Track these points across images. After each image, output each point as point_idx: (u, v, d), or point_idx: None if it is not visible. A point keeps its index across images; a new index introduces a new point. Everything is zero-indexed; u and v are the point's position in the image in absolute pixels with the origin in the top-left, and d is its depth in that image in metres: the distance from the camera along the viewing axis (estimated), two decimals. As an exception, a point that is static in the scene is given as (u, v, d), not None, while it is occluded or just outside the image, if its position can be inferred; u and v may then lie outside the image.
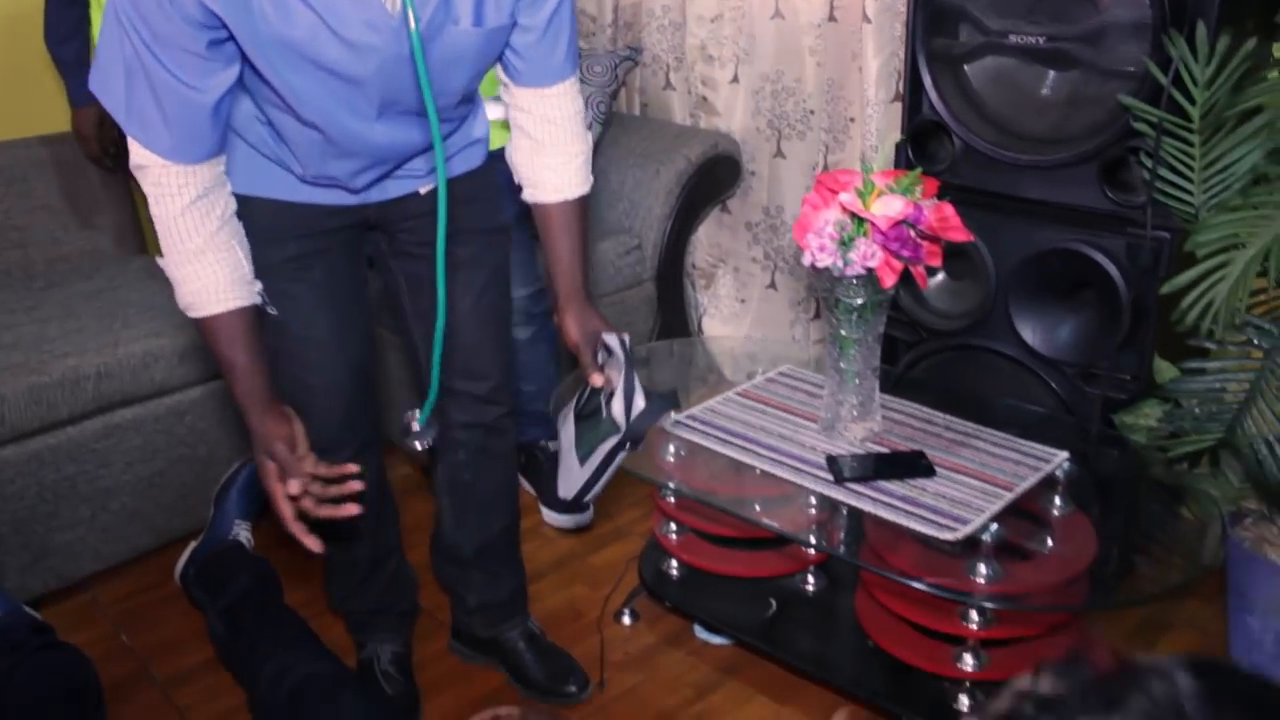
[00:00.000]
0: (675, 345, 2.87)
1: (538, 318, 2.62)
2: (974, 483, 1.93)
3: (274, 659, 2.02)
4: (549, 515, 2.73)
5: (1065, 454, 2.04)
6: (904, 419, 2.15)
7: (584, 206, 1.82)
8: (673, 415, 1.92)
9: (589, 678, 2.16)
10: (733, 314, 3.47)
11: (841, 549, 1.96)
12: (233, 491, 2.50)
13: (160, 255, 1.56)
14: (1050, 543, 1.93)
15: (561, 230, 1.79)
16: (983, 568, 1.79)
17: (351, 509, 1.58)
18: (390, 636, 2.15)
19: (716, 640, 2.27)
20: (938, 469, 1.96)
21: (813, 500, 1.98)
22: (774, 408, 2.19)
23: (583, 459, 1.80)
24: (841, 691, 2.10)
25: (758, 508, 1.99)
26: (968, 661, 1.94)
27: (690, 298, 3.48)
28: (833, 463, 1.95)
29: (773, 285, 3.34)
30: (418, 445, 1.78)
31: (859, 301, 1.92)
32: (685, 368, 2.62)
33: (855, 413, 2.04)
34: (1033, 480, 1.96)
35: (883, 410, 2.12)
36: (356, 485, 1.58)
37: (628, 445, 1.73)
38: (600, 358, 1.76)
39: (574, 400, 1.86)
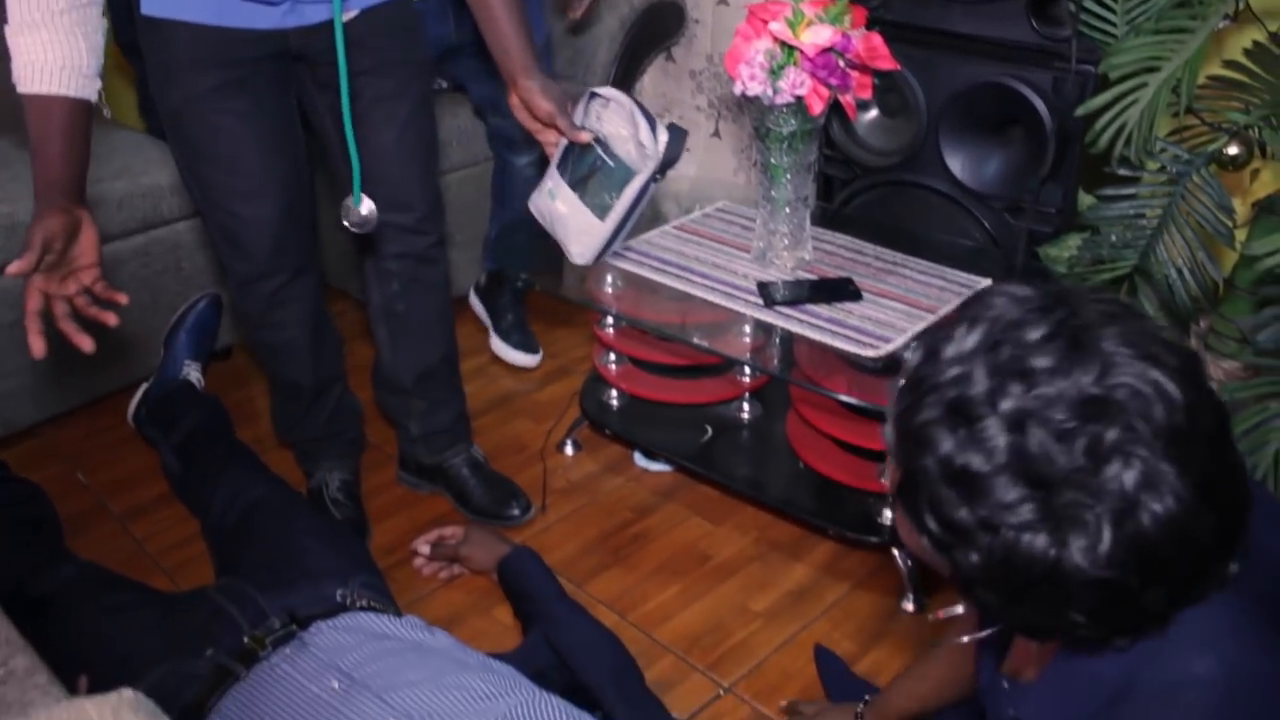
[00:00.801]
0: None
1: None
2: (899, 306, 2.00)
3: (225, 486, 2.08)
4: (501, 349, 2.78)
5: (989, 281, 2.12)
6: (835, 250, 2.21)
7: None
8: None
9: (531, 501, 2.25)
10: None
11: (773, 365, 2.03)
12: (181, 333, 2.54)
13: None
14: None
15: (501, 9, 1.73)
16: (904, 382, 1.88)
17: (110, 317, 1.54)
18: (337, 465, 2.22)
19: (655, 467, 2.36)
20: (865, 294, 2.03)
21: (746, 328, 2.05)
22: (709, 240, 2.25)
23: (603, 213, 1.77)
24: (774, 510, 2.20)
25: (693, 333, 2.06)
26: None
27: (635, 148, 3.49)
28: (763, 288, 2.02)
29: (717, 134, 3.37)
30: (356, 226, 1.80)
31: (788, 130, 1.96)
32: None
33: (786, 242, 2.10)
34: (955, 304, 2.03)
35: (814, 242, 2.18)
36: (121, 299, 1.55)
37: (659, 176, 1.72)
38: (579, 118, 1.75)
39: (553, 175, 1.83)
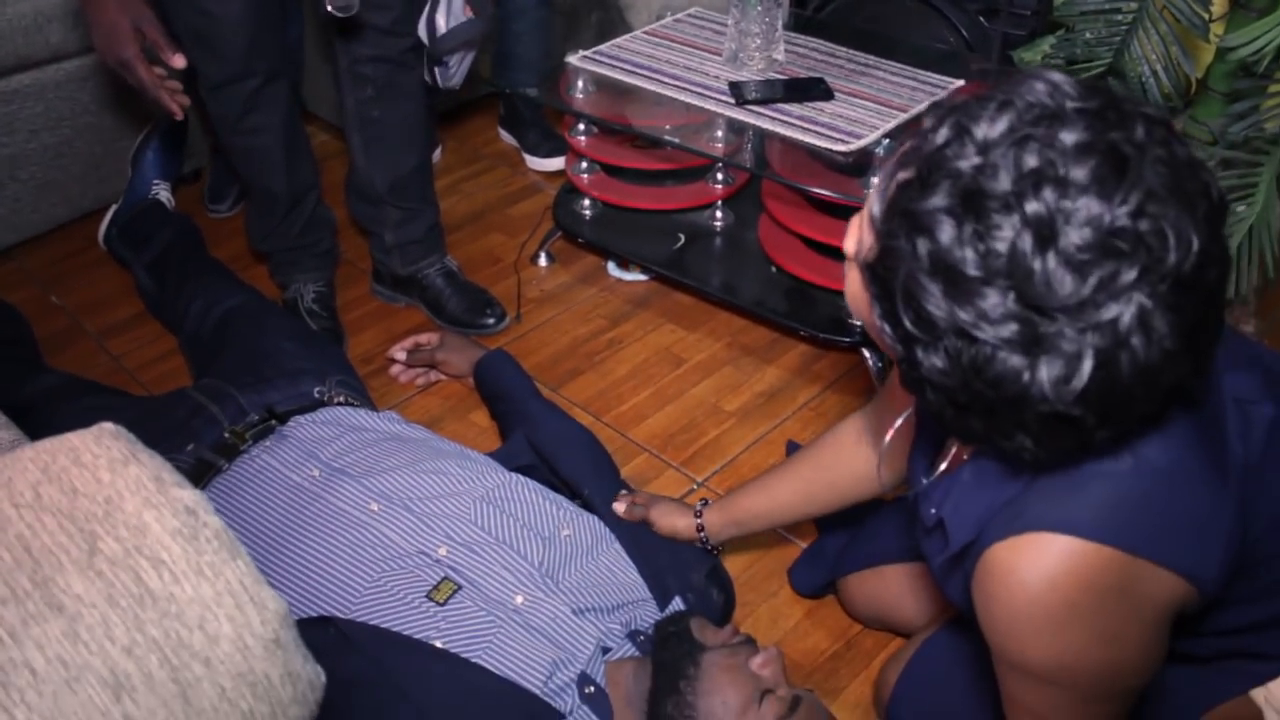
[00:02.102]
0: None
1: None
2: (870, 105, 1.99)
3: (200, 298, 2.08)
4: (537, 164, 2.80)
5: (960, 82, 2.10)
6: (807, 52, 2.19)
7: None
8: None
9: (505, 310, 2.26)
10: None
11: (746, 158, 2.03)
12: (149, 152, 2.50)
13: None
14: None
15: None
16: (875, 179, 1.88)
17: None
18: (312, 276, 2.22)
19: (628, 277, 2.37)
20: (837, 94, 2.02)
21: (719, 131, 2.04)
22: (681, 44, 2.22)
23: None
24: (747, 315, 2.23)
25: (665, 134, 2.05)
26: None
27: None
28: (735, 88, 2.00)
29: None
30: (338, 9, 1.79)
31: (760, -78, 1.92)
32: (597, 12, 2.61)
33: (758, 42, 2.07)
34: (927, 104, 2.02)
35: (787, 45, 2.16)
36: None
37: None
38: None
39: None
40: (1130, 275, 0.77)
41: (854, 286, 0.95)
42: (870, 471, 1.42)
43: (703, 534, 1.57)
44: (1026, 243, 0.78)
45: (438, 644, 1.31)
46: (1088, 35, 2.08)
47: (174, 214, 2.46)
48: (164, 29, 1.69)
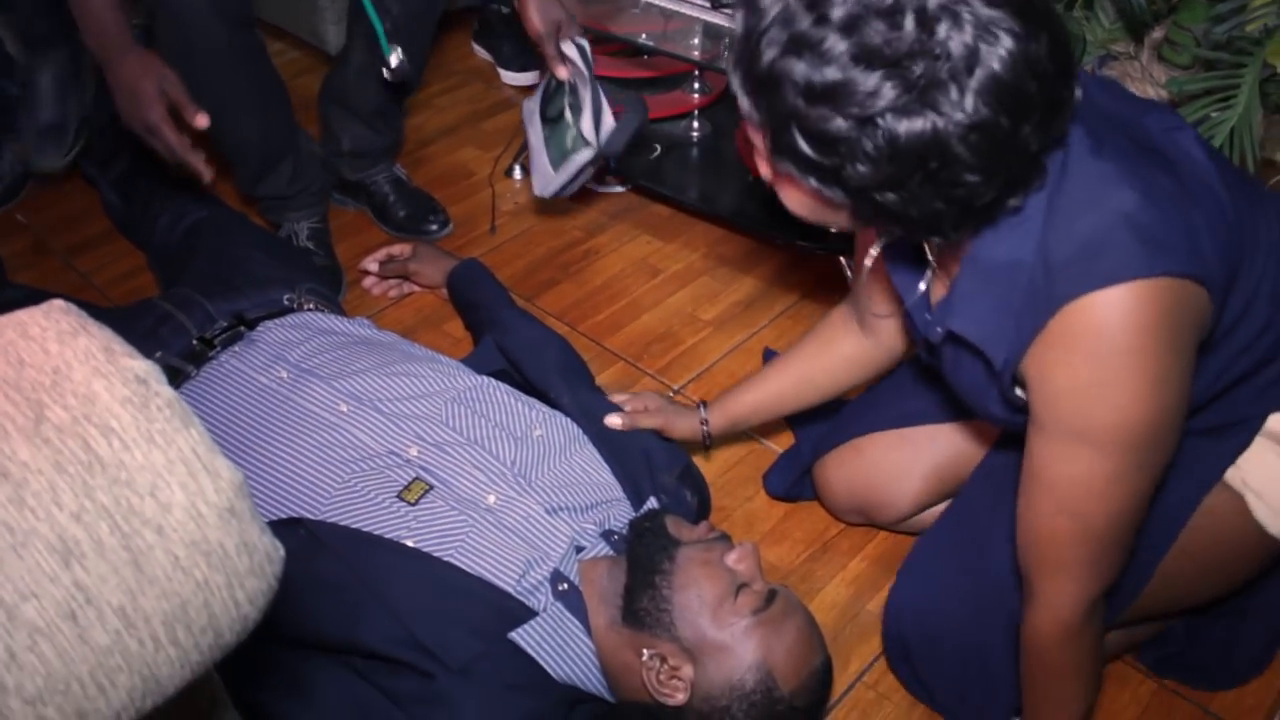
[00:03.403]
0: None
1: None
2: (849, 7, 1.95)
3: (168, 212, 2.05)
4: (511, 78, 2.74)
5: (941, -16, 2.07)
6: (785, -45, 2.14)
7: None
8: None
9: (449, 217, 2.25)
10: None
11: (723, 63, 1.99)
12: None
13: None
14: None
15: None
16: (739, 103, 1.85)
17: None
18: (306, 214, 2.14)
19: (604, 189, 2.34)
20: (814, -4, 1.98)
21: (695, 39, 2.00)
22: (655, -53, 2.16)
23: (555, 164, 1.84)
24: (724, 225, 2.20)
25: (643, 37, 2.02)
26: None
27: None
28: (710, -10, 1.96)
29: None
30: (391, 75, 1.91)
31: None
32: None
33: (734, -57, 2.03)
34: (907, 6, 1.98)
35: (764, -53, 2.11)
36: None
37: (602, 162, 1.81)
38: (568, 52, 1.77)
39: (537, 97, 1.89)
40: (934, 1, 0.87)
41: (787, 196, 1.05)
42: (864, 356, 1.49)
43: (706, 435, 1.60)
44: (850, 31, 0.88)
45: (409, 543, 1.30)
46: (1071, -64, 2.04)
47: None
48: (186, 89, 1.65)
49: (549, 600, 1.29)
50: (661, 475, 1.52)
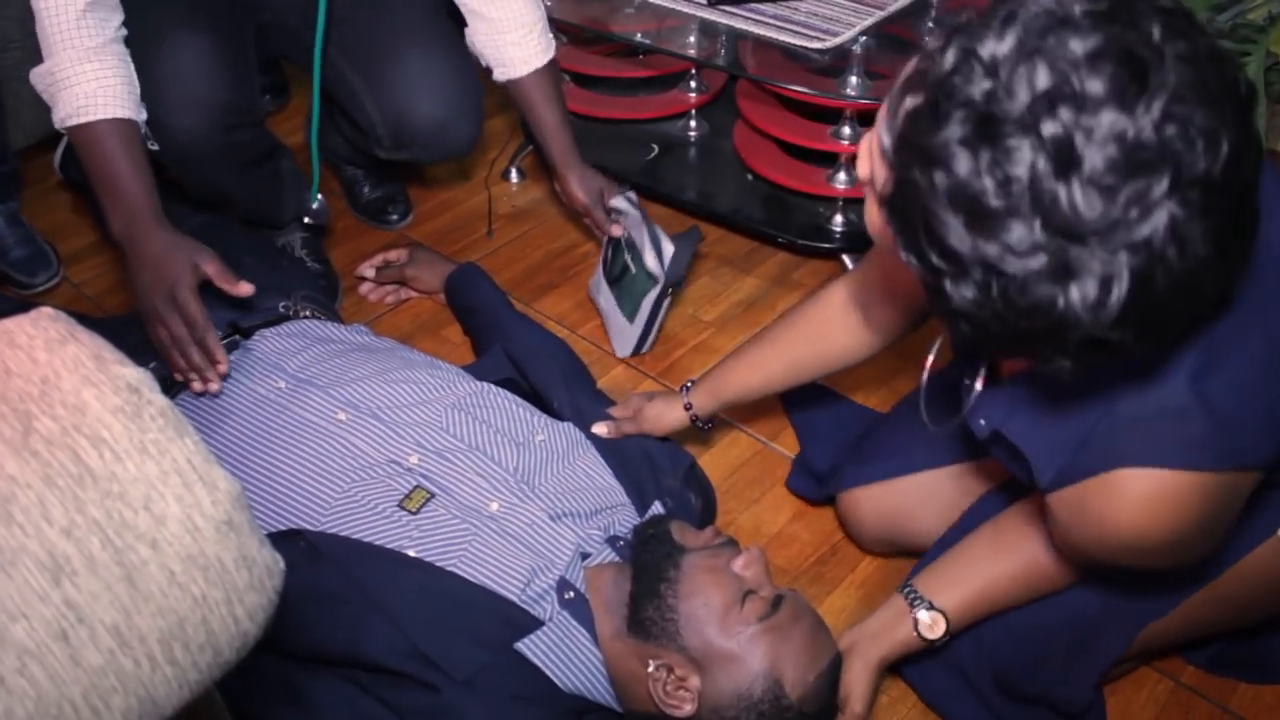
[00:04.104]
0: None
1: None
2: (846, 3, 1.93)
3: (162, 218, 2.02)
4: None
5: (940, -23, 2.04)
6: (781, -49, 2.12)
7: (554, 72, 1.85)
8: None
9: (411, 208, 2.27)
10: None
11: (720, 60, 1.97)
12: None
13: (42, 64, 1.50)
14: (921, 61, 1.96)
15: (541, 100, 1.82)
16: (853, 79, 1.83)
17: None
18: (299, 225, 2.10)
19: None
20: (812, -8, 1.96)
21: (691, 37, 1.98)
22: (650, -55, 2.14)
23: (631, 316, 1.85)
24: (724, 224, 2.18)
25: (639, 35, 2.00)
26: (840, 180, 2.01)
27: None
28: (706, -13, 1.94)
29: None
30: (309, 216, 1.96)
31: None
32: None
33: (730, -60, 2.01)
34: (905, 1, 1.96)
35: (760, -56, 2.09)
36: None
37: (670, 290, 1.80)
38: (613, 214, 1.82)
39: (599, 267, 1.92)
40: (1161, 188, 0.73)
41: (873, 216, 0.93)
42: (859, 342, 1.43)
43: (694, 417, 1.55)
44: (1047, 167, 0.74)
45: (411, 553, 1.28)
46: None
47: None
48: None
49: (555, 609, 1.26)
50: (665, 478, 1.50)
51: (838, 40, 1.81)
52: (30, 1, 1.49)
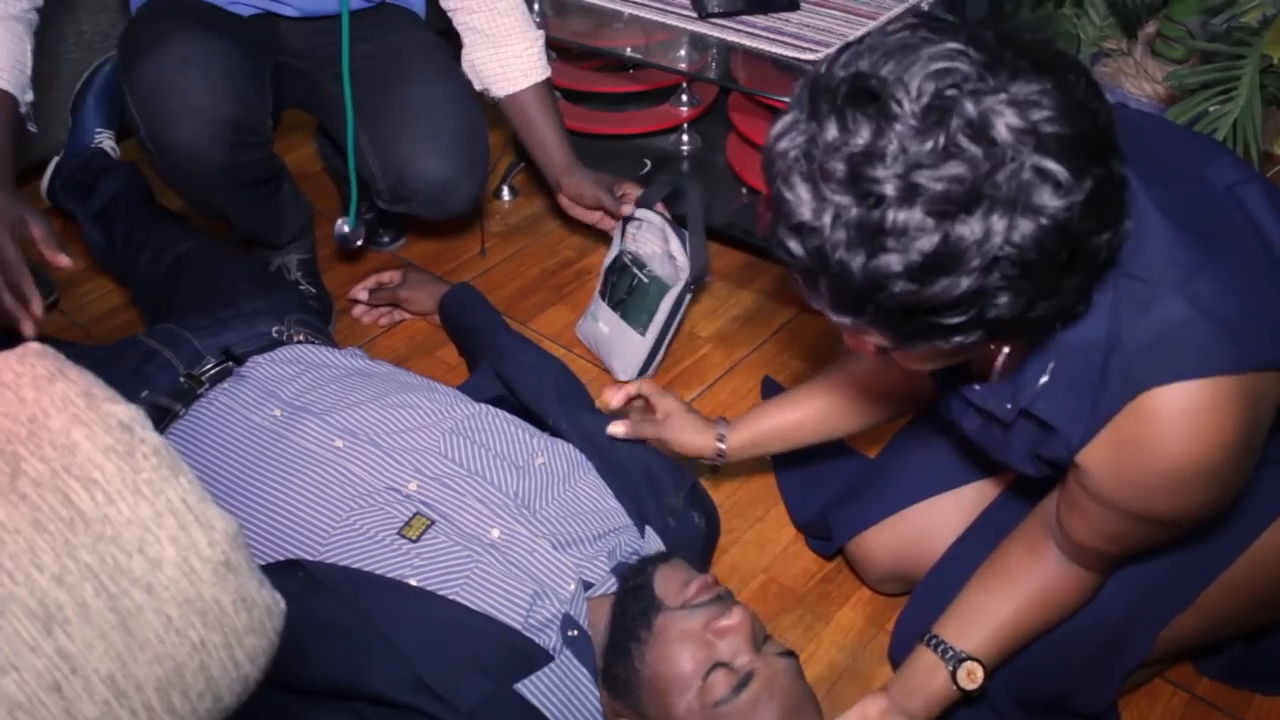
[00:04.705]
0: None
1: None
2: (838, 13, 1.92)
3: (150, 245, 2.00)
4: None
5: (930, -14, 2.03)
6: (770, -37, 2.11)
7: (551, 88, 1.89)
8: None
9: (405, 231, 2.26)
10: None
11: (711, 73, 1.96)
12: (89, 99, 2.39)
13: None
14: (914, 71, 1.95)
15: (540, 113, 1.86)
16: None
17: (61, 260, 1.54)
18: (295, 247, 2.09)
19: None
20: (802, 3, 1.94)
21: (682, 50, 1.97)
22: (638, -40, 2.13)
23: (643, 329, 1.82)
24: (718, 237, 2.16)
25: (629, 50, 1.98)
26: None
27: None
28: (697, 1, 1.92)
29: None
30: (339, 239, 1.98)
31: None
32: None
33: (719, -47, 1.99)
34: (897, 10, 1.95)
35: (749, -44, 2.08)
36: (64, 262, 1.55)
37: (692, 287, 1.79)
38: (617, 244, 1.84)
39: (596, 300, 1.91)
40: (963, 108, 0.79)
41: (912, 363, 1.01)
42: (900, 405, 1.45)
43: (720, 452, 1.49)
44: (919, 199, 0.80)
45: (412, 582, 1.25)
46: (1059, -67, 2.02)
47: (119, 163, 2.35)
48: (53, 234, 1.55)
49: (559, 645, 1.24)
50: (667, 497, 1.47)
51: (830, 51, 1.80)
52: None
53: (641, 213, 1.81)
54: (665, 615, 1.20)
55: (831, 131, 0.83)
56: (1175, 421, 0.95)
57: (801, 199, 0.85)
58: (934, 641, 1.24)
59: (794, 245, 0.87)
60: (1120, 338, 0.97)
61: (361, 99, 1.80)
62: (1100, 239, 0.88)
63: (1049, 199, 0.81)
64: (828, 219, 0.83)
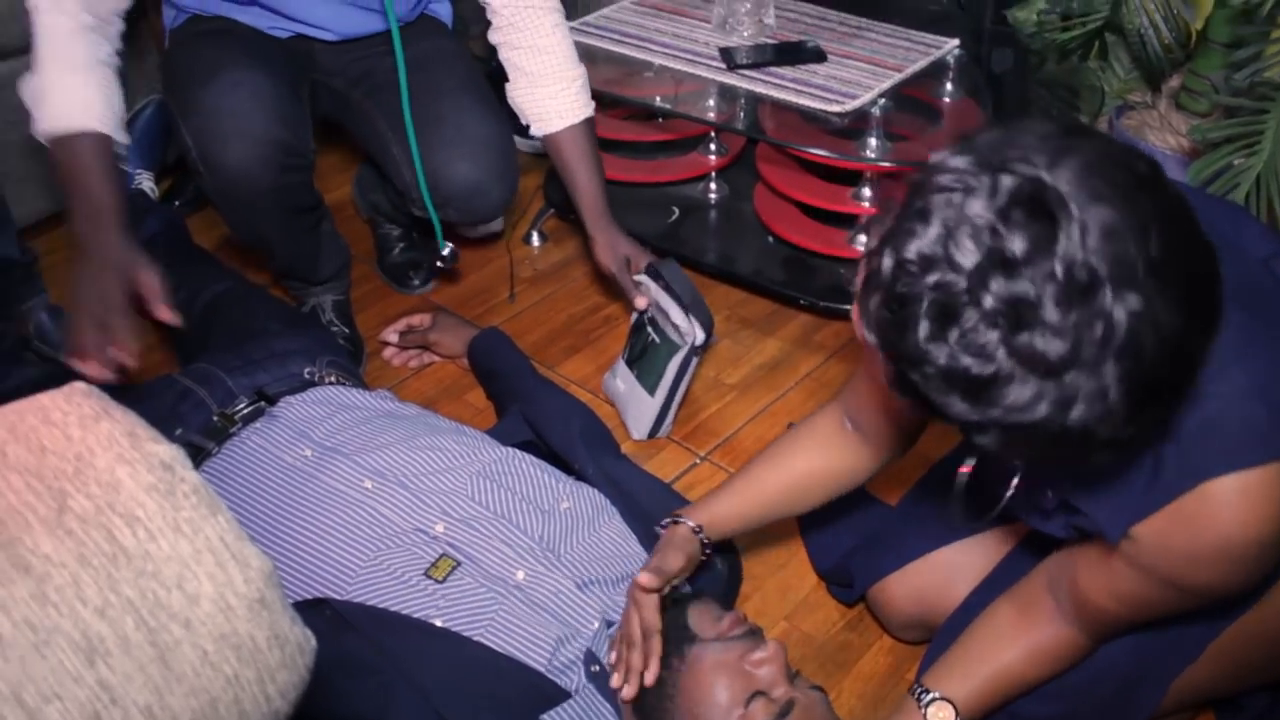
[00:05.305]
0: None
1: None
2: (864, 66, 1.95)
3: (185, 287, 2.03)
4: (522, 144, 2.53)
5: (955, 41, 2.06)
6: (798, 17, 2.15)
7: (591, 130, 1.86)
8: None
9: (433, 276, 2.28)
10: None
11: (739, 123, 1.98)
12: (129, 141, 2.45)
13: (32, 76, 1.55)
14: (939, 123, 1.97)
15: (576, 157, 1.84)
16: (873, 141, 1.84)
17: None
18: (330, 287, 2.13)
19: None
20: (829, 56, 1.97)
21: (710, 100, 2.00)
22: (669, 12, 2.18)
23: (652, 389, 1.83)
24: (745, 288, 2.18)
25: (659, 100, 2.01)
26: (861, 241, 2.01)
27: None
28: (726, 53, 1.96)
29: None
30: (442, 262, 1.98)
31: (746, -118, 1.88)
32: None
33: (748, 7, 2.03)
34: (922, 64, 1.98)
35: (776, 10, 2.12)
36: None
37: (698, 351, 1.78)
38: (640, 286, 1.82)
39: (620, 357, 1.93)
40: (1106, 298, 0.77)
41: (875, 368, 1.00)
42: (861, 463, 1.39)
43: (704, 542, 1.41)
44: (1008, 327, 0.78)
45: (438, 622, 1.27)
46: (1084, -12, 2.04)
47: (157, 203, 2.41)
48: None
49: (582, 682, 1.25)
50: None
51: (856, 103, 1.83)
52: (31, 15, 1.56)
53: (642, 278, 1.82)
54: (699, 647, 1.23)
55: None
56: (1231, 502, 0.96)
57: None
58: (917, 689, 1.25)
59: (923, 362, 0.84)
60: (1179, 425, 0.97)
61: (393, 110, 1.83)
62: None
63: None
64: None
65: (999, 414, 0.81)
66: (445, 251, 1.96)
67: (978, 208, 0.80)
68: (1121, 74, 2.37)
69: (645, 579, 1.27)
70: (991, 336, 0.79)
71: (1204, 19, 2.06)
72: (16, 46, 2.27)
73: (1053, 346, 0.78)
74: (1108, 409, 0.80)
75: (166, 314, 1.56)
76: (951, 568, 1.45)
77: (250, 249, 2.20)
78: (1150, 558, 1.04)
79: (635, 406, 1.89)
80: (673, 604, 1.30)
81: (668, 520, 1.39)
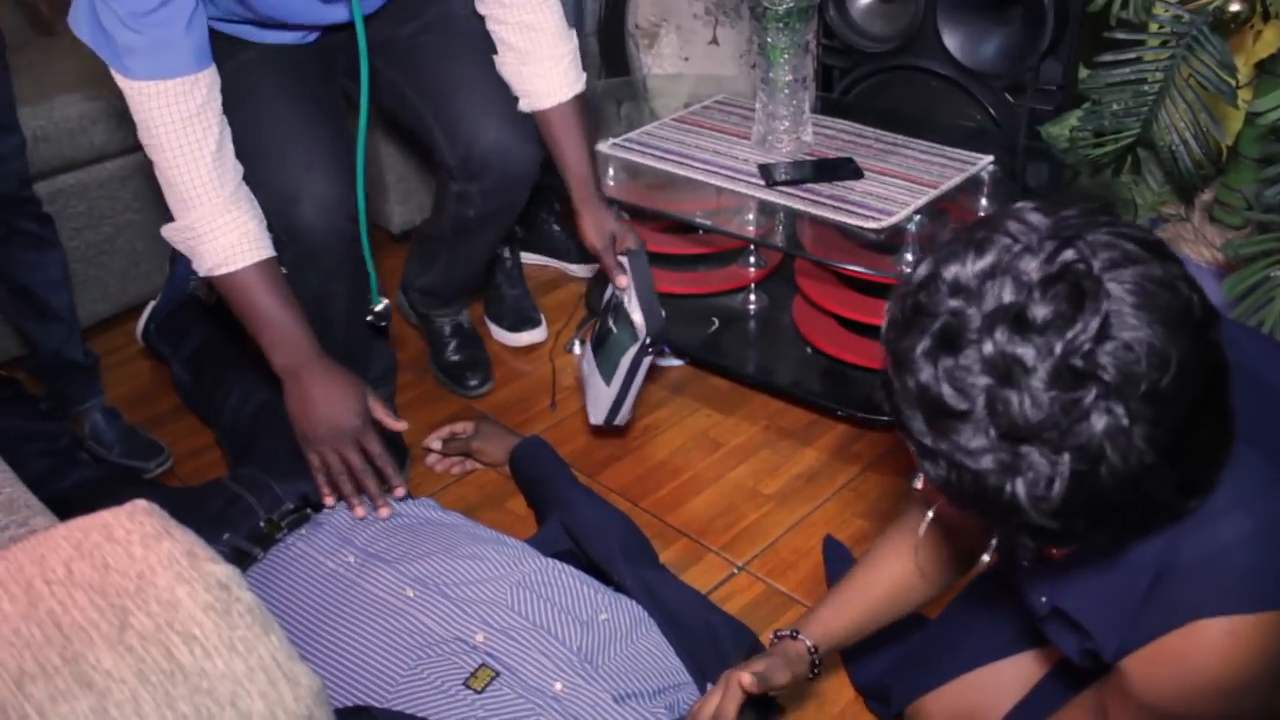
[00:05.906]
0: (618, 83, 2.88)
1: None
2: (900, 183, 2.00)
3: (237, 390, 2.10)
4: (574, 269, 2.73)
5: (990, 158, 2.11)
6: (835, 134, 2.20)
7: (581, 105, 1.82)
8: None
9: (492, 375, 2.31)
10: (677, 72, 3.47)
11: (778, 239, 2.03)
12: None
13: (177, 220, 1.58)
14: (975, 238, 2.00)
15: (565, 133, 1.80)
16: (909, 256, 1.87)
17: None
18: (378, 393, 2.16)
19: (664, 362, 2.36)
20: (866, 173, 2.02)
21: (750, 215, 2.05)
22: (709, 129, 2.24)
23: (608, 379, 1.86)
24: (783, 397, 2.21)
25: (697, 217, 2.06)
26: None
27: (634, 59, 3.47)
28: (765, 170, 2.02)
29: (714, 41, 3.34)
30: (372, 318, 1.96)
31: (785, 7, 1.95)
32: (627, 102, 2.64)
33: (786, 124, 2.09)
34: (957, 180, 2.03)
35: (815, 127, 2.18)
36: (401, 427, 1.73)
37: (649, 350, 1.77)
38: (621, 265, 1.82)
39: (591, 336, 1.96)
40: (1090, 397, 0.79)
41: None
42: (918, 580, 1.39)
43: (814, 661, 1.42)
44: (997, 378, 0.81)
45: (476, 733, 1.28)
46: (1115, 107, 2.08)
47: (211, 309, 2.48)
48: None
49: None
50: (729, 655, 1.49)
51: (893, 220, 1.87)
52: (155, 163, 1.56)
53: (625, 260, 1.81)
54: None
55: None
56: (1217, 642, 0.95)
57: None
58: None
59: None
60: (1176, 554, 0.97)
61: (418, 74, 1.82)
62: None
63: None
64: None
65: (947, 448, 0.85)
66: (379, 308, 1.93)
67: (1030, 265, 0.83)
68: (1155, 187, 2.40)
69: (748, 680, 1.28)
70: (979, 381, 0.82)
71: (1234, 136, 2.10)
72: (82, 159, 2.38)
73: (1026, 414, 0.81)
74: (1046, 495, 0.83)
75: (400, 425, 1.70)
76: (988, 689, 1.45)
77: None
78: (1142, 694, 1.03)
79: (594, 391, 1.91)
80: (751, 708, 1.31)
81: (785, 631, 1.40)
